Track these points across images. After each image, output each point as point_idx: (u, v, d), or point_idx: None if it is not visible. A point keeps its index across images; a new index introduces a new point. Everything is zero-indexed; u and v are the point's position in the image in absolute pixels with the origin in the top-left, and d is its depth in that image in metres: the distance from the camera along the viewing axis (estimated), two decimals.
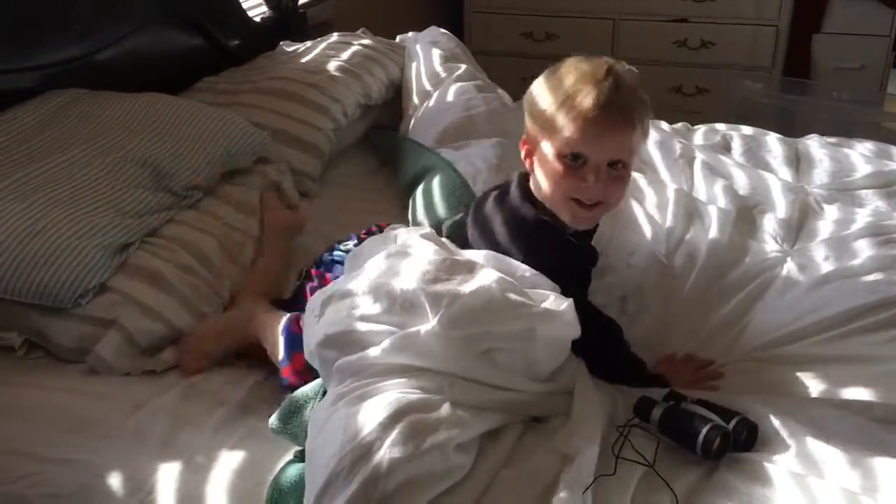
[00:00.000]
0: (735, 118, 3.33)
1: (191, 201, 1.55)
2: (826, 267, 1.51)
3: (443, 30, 2.34)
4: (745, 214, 1.69)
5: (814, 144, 2.02)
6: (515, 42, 3.70)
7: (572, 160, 1.19)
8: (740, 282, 1.50)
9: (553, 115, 1.18)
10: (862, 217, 1.65)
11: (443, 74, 2.09)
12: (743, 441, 1.10)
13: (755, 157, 1.95)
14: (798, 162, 1.95)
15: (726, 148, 2.01)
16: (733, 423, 1.10)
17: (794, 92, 3.43)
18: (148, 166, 1.50)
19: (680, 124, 2.17)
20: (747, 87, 3.39)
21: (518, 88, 3.40)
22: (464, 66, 2.13)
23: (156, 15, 1.97)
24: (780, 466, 1.03)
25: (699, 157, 1.91)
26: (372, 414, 1.00)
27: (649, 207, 1.70)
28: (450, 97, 2.02)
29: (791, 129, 3.36)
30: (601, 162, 1.18)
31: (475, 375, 1.09)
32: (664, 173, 1.88)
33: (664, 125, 2.13)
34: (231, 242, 1.53)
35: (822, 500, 0.97)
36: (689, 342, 1.37)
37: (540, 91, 1.22)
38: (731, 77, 3.46)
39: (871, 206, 1.72)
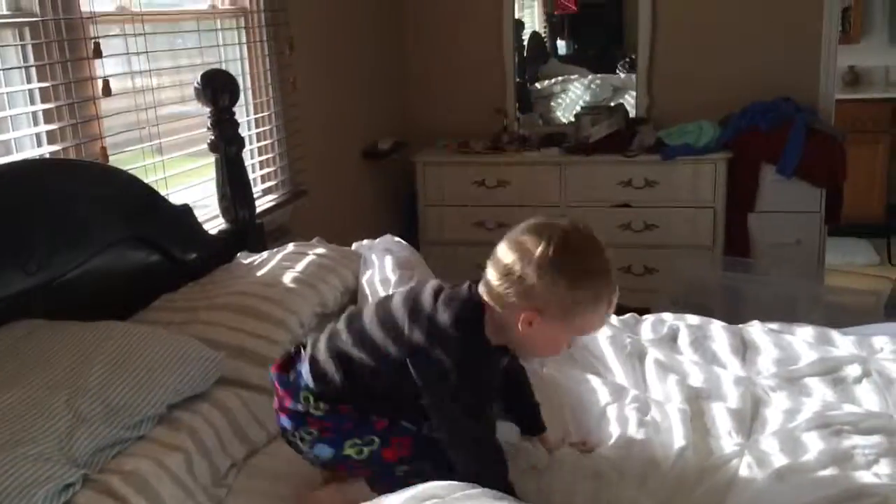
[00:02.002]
0: (686, 296, 3.47)
1: (141, 432, 1.53)
2: (781, 460, 1.53)
3: (396, 238, 2.43)
4: (699, 410, 1.72)
5: (757, 331, 2.08)
6: (469, 231, 3.85)
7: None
8: (701, 480, 1.50)
9: (586, 314, 1.37)
10: (809, 408, 1.69)
11: (397, 282, 2.14)
12: None
13: (702, 348, 2.01)
14: (745, 350, 2.01)
15: (673, 339, 2.07)
16: None
17: (736, 269, 3.57)
18: (100, 402, 1.49)
19: (628, 315, 2.23)
20: (692, 268, 3.54)
21: (473, 274, 3.50)
22: (416, 274, 2.20)
23: (115, 240, 2.02)
24: None
25: (650, 353, 1.97)
26: None
27: (606, 409, 1.72)
28: None
29: (738, 305, 3.49)
30: None
31: None
32: (617, 370, 1.92)
33: (613, 319, 2.19)
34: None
35: None
36: None
37: (572, 290, 1.33)
38: (675, 257, 3.61)
39: (817, 394, 1.77)
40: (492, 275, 1.38)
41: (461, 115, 4.11)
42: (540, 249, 1.31)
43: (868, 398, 1.75)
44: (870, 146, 4.65)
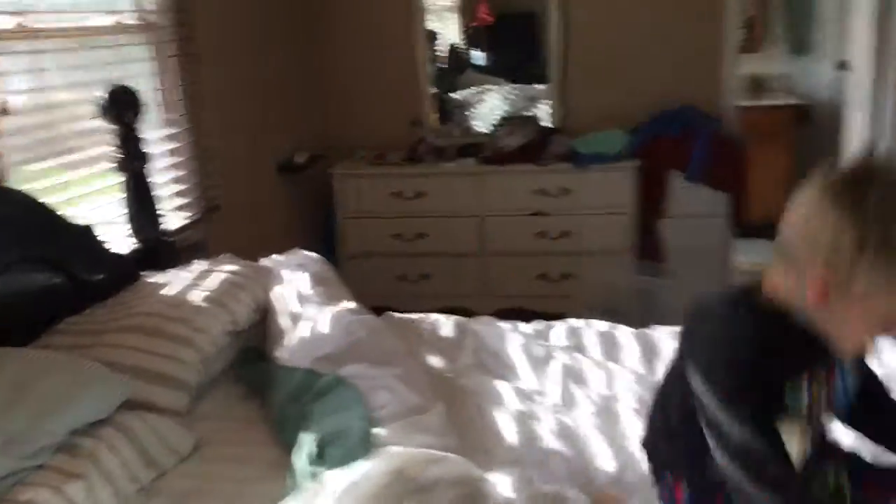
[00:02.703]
0: (601, 301, 3.55)
1: (39, 461, 1.50)
2: None
3: (307, 251, 2.42)
4: (610, 415, 1.77)
5: (662, 336, 2.15)
6: (387, 243, 3.86)
7: None
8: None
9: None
10: None
11: (313, 297, 2.14)
12: None
13: (609, 353, 2.07)
14: (651, 354, 2.07)
15: (582, 345, 2.12)
16: None
17: (651, 273, 3.68)
18: None
19: (540, 323, 2.27)
20: (607, 273, 3.63)
21: (392, 285, 3.55)
22: (332, 289, 2.19)
23: (14, 260, 1.97)
24: None
25: (559, 359, 2.01)
26: None
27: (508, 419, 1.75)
28: (326, 322, 2.04)
29: (652, 308, 3.60)
30: None
31: None
32: (526, 377, 1.96)
33: (523, 326, 2.23)
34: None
35: None
36: None
37: None
38: (591, 264, 3.70)
39: None
40: None
41: (378, 126, 4.12)
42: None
43: None
44: (773, 151, 4.84)
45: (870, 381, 1.36)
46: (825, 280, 1.12)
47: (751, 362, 1.16)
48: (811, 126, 5.04)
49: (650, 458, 1.44)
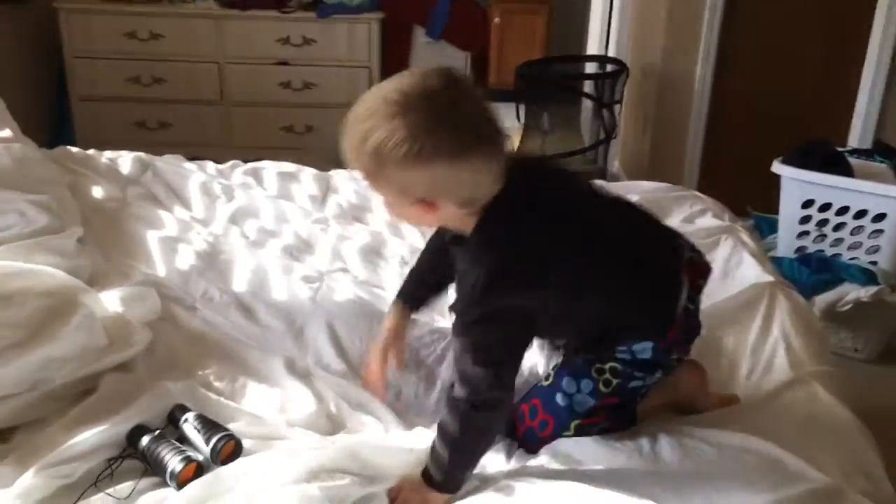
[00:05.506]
0: (338, 154, 3.62)
1: None
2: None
3: None
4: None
5: (342, 177, 2.25)
6: (123, 87, 3.70)
7: None
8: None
9: None
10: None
11: None
12: (225, 457, 1.19)
13: (285, 190, 2.15)
14: (326, 192, 2.17)
15: (261, 183, 2.18)
16: (214, 440, 1.20)
17: None
18: None
19: (230, 163, 2.30)
20: None
21: (130, 132, 3.37)
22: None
23: None
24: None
25: (236, 195, 2.08)
26: None
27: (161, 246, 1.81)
28: None
29: None
30: None
31: None
32: (197, 211, 2.01)
33: (210, 167, 2.25)
34: None
35: None
36: None
37: None
38: (333, 116, 3.72)
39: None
40: None
41: None
42: None
43: None
44: (529, 16, 5.00)
45: None
46: None
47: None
48: None
49: None
